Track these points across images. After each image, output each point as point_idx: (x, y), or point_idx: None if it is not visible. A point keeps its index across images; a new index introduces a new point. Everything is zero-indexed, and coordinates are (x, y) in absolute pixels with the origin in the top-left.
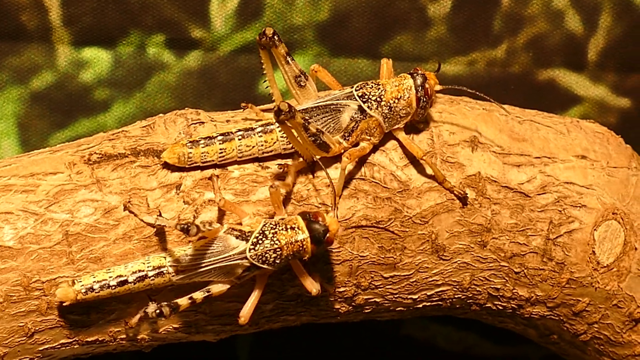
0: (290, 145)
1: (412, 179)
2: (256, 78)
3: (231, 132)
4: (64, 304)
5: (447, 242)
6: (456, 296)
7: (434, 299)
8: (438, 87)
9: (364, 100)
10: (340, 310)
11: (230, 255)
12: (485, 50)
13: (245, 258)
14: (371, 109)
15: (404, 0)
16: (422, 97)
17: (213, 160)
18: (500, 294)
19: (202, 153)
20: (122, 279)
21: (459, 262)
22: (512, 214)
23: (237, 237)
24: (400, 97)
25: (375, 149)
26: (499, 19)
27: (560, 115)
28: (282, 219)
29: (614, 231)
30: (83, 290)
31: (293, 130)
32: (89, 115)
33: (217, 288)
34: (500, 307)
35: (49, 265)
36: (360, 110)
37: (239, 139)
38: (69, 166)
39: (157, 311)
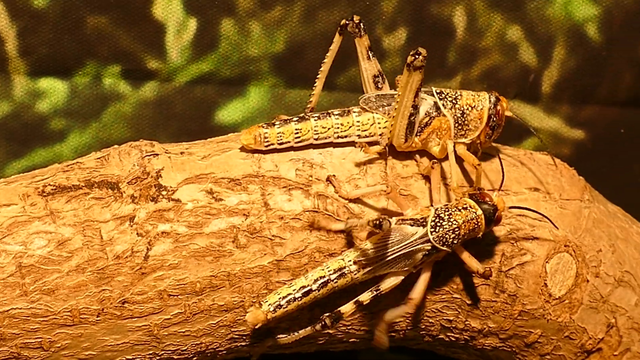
0: (365, 133)
1: (365, 211)
2: (212, 108)
3: (307, 115)
4: (256, 327)
5: None
6: (408, 328)
7: (387, 331)
8: (508, 113)
9: (440, 97)
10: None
11: (411, 242)
12: (440, 81)
13: (428, 241)
14: (445, 108)
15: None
16: (493, 116)
17: (289, 142)
18: (453, 325)
19: (278, 133)
20: (306, 289)
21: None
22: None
23: (411, 225)
24: (474, 106)
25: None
26: (454, 51)
27: (514, 147)
28: (451, 203)
29: (566, 263)
30: (272, 309)
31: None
32: (45, 145)
33: (387, 284)
34: (453, 339)
35: (2, 297)
36: (436, 107)
37: (315, 120)
38: (23, 198)
39: (321, 324)
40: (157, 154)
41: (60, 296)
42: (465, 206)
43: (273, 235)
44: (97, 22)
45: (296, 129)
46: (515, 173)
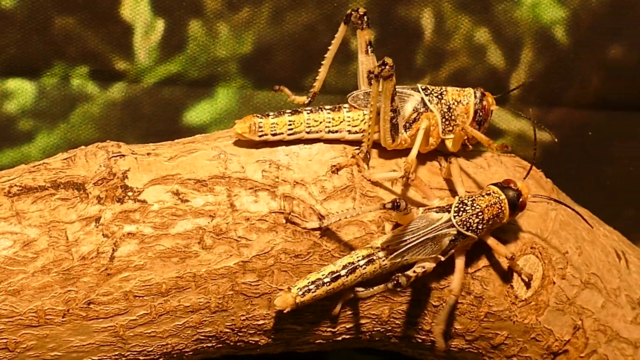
0: (355, 129)
1: (332, 212)
2: (180, 110)
3: (300, 108)
4: (284, 312)
5: None
6: (375, 329)
7: (353, 332)
8: (494, 108)
9: (426, 93)
10: (259, 343)
11: (437, 226)
12: (408, 84)
13: (452, 226)
14: (432, 103)
15: (327, 33)
16: (479, 111)
17: (282, 133)
18: (419, 327)
19: (272, 124)
20: (334, 274)
21: (378, 295)
22: None
23: (437, 212)
24: (460, 101)
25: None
26: (422, 53)
27: (484, 149)
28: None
29: (533, 265)
30: (300, 293)
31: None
32: (13, 145)
33: (428, 265)
34: (420, 340)
35: None
36: (423, 103)
37: (308, 113)
38: None
39: (395, 282)
40: (123, 155)
41: (26, 297)
42: (488, 192)
43: (239, 237)
44: (64, 23)
45: (289, 121)
46: (482, 175)
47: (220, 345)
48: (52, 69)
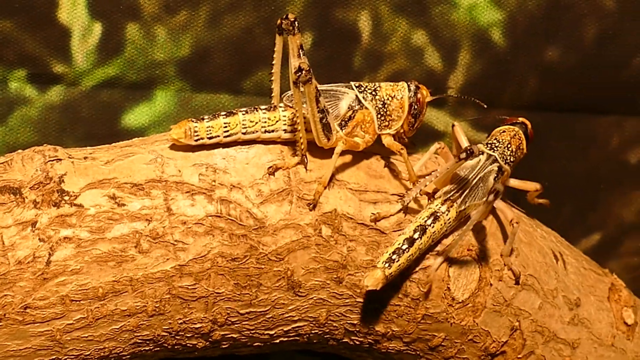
0: (291, 127)
1: (268, 216)
2: (119, 113)
3: (235, 110)
4: (377, 290)
5: (302, 278)
6: (313, 331)
7: (291, 335)
8: (429, 98)
9: (360, 90)
10: (197, 346)
11: (482, 166)
12: None
13: (495, 160)
14: (366, 100)
15: (265, 36)
16: (414, 104)
17: (219, 136)
18: (357, 329)
19: (208, 127)
20: (410, 239)
21: (315, 298)
22: (368, 250)
23: (471, 160)
24: (394, 96)
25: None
26: (359, 56)
27: (422, 150)
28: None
29: (469, 267)
30: (387, 265)
31: (304, 103)
32: None
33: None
34: (357, 342)
35: None
36: (358, 100)
37: (243, 114)
38: None
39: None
40: (60, 159)
41: None
42: (504, 130)
43: (176, 240)
44: (1, 27)
45: (225, 123)
46: (423, 173)
47: (158, 348)
48: None
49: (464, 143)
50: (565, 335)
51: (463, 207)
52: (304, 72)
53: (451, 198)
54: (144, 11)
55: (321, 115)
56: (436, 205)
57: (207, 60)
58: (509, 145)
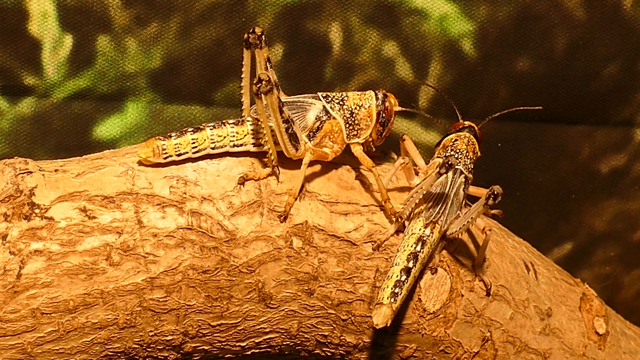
0: (260, 140)
1: (239, 228)
2: (90, 124)
3: (202, 125)
4: (387, 327)
5: (274, 290)
6: (284, 343)
7: (263, 346)
8: (397, 108)
9: (327, 100)
10: (168, 358)
11: (452, 181)
12: None
13: (461, 173)
14: (334, 110)
15: (236, 48)
16: (381, 112)
17: (187, 152)
18: (328, 340)
19: (176, 145)
20: (406, 269)
21: (286, 310)
22: (339, 262)
23: (437, 176)
24: (362, 105)
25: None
26: (330, 67)
27: (391, 162)
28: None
29: (440, 278)
30: (393, 300)
31: (268, 114)
32: None
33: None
34: (329, 354)
35: None
36: (325, 110)
37: (211, 129)
38: None
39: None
40: (30, 172)
41: None
42: (455, 138)
43: (147, 253)
44: None
45: (192, 139)
46: (391, 188)
47: None
48: None
49: (417, 156)
50: (537, 345)
51: (444, 228)
52: (263, 82)
53: (433, 220)
54: (115, 23)
55: (286, 126)
56: (420, 230)
57: (178, 72)
58: (467, 153)
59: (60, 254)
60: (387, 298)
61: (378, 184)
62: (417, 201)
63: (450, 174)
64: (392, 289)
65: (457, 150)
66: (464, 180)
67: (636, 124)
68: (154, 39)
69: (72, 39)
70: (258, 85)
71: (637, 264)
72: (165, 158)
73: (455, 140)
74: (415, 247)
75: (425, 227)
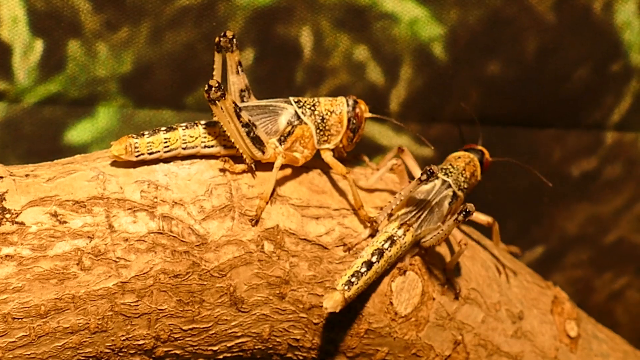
0: (231, 144)
1: (210, 232)
2: (61, 129)
3: (175, 125)
4: (336, 313)
5: (245, 294)
6: (256, 347)
7: (235, 350)
8: (368, 115)
9: (299, 105)
10: None
11: (437, 191)
12: None
13: (449, 186)
14: (305, 115)
15: (207, 52)
16: (352, 119)
17: (159, 151)
18: (300, 344)
19: (148, 143)
20: (368, 263)
21: (258, 314)
22: (310, 266)
23: (425, 184)
24: (333, 111)
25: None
26: (302, 71)
27: (364, 166)
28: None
29: (412, 282)
30: (346, 288)
31: (227, 119)
32: None
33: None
34: (301, 357)
35: None
36: (297, 115)
37: (183, 129)
38: None
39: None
40: (1, 177)
41: None
42: (459, 156)
43: (118, 257)
44: None
45: (165, 138)
46: (362, 192)
47: None
48: None
49: (416, 167)
50: (509, 348)
51: (419, 232)
52: (213, 89)
53: (408, 222)
54: (85, 28)
55: (247, 130)
56: (393, 229)
57: (149, 77)
58: (463, 172)
59: (31, 259)
60: (342, 285)
61: (352, 191)
62: (394, 207)
63: (437, 182)
64: (349, 277)
65: (454, 167)
66: (451, 194)
67: (607, 127)
68: (125, 44)
69: (43, 43)
70: (208, 94)
71: (608, 267)
72: (137, 156)
73: (458, 157)
74: (383, 245)
75: (399, 228)
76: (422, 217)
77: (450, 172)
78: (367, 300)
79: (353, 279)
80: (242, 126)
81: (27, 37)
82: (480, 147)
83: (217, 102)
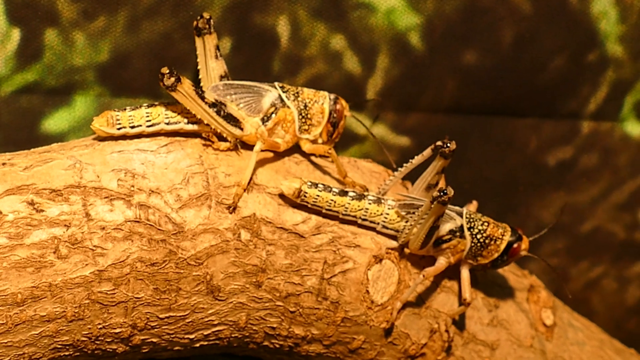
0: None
1: (187, 221)
2: (38, 118)
3: (157, 102)
4: (287, 195)
5: (222, 282)
6: (233, 335)
7: (211, 339)
8: (348, 114)
9: (283, 90)
10: (117, 351)
11: (446, 216)
12: None
13: (462, 227)
14: (289, 99)
15: (184, 41)
16: (333, 112)
17: (141, 126)
18: (277, 332)
19: (130, 116)
20: (343, 191)
21: (234, 302)
22: (287, 254)
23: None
24: (316, 100)
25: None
26: (279, 60)
27: (342, 154)
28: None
29: (388, 270)
30: (309, 184)
31: (192, 103)
32: None
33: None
34: (278, 346)
35: None
36: (280, 98)
37: (165, 106)
38: None
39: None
40: None
41: None
42: (500, 227)
43: (94, 246)
44: None
45: (147, 113)
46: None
47: (78, 353)
48: None
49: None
50: (485, 336)
51: (401, 216)
52: (166, 75)
53: (399, 205)
54: (63, 17)
55: (216, 109)
56: (387, 198)
57: (126, 66)
58: (485, 231)
59: (8, 247)
60: (309, 180)
61: (337, 164)
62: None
63: (457, 220)
64: (319, 182)
65: (484, 221)
66: (456, 228)
67: (583, 117)
68: (102, 33)
69: (20, 32)
70: (162, 80)
71: (584, 256)
72: (118, 129)
73: (497, 225)
74: (369, 196)
75: (393, 200)
76: (415, 219)
77: (473, 219)
78: (344, 289)
79: (320, 186)
80: (210, 106)
81: (4, 25)
82: (522, 234)
83: (175, 88)
